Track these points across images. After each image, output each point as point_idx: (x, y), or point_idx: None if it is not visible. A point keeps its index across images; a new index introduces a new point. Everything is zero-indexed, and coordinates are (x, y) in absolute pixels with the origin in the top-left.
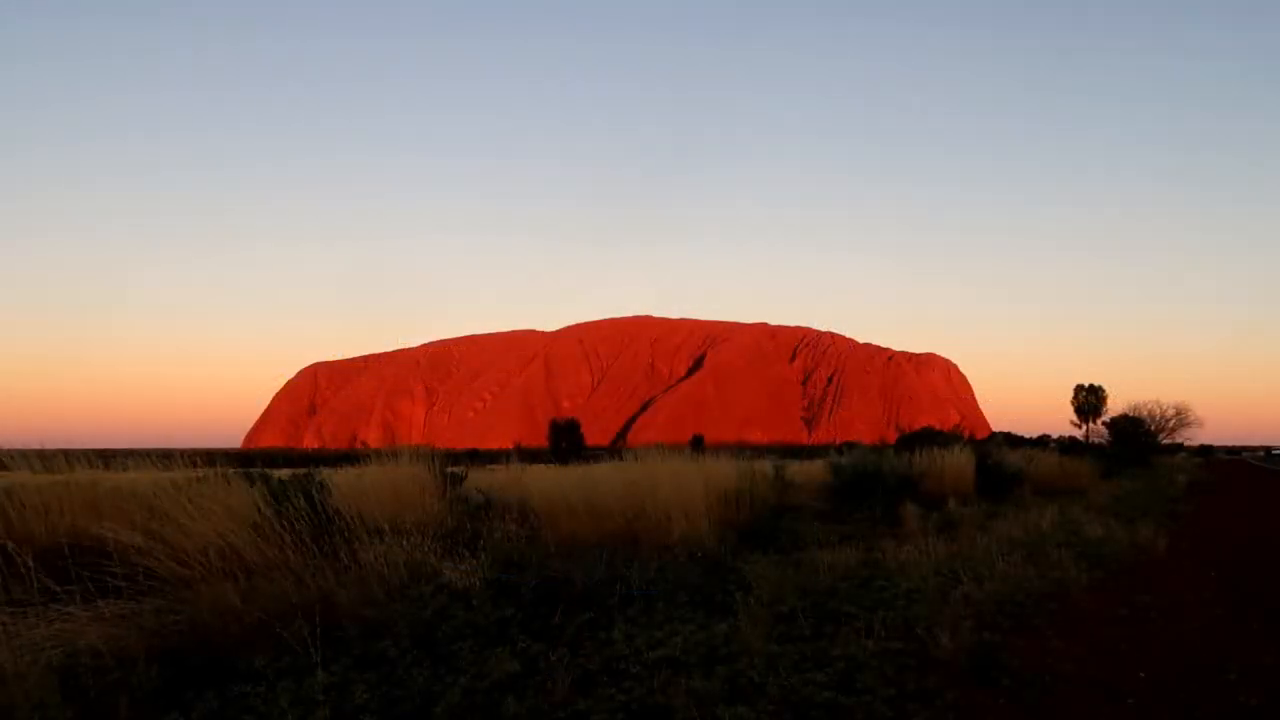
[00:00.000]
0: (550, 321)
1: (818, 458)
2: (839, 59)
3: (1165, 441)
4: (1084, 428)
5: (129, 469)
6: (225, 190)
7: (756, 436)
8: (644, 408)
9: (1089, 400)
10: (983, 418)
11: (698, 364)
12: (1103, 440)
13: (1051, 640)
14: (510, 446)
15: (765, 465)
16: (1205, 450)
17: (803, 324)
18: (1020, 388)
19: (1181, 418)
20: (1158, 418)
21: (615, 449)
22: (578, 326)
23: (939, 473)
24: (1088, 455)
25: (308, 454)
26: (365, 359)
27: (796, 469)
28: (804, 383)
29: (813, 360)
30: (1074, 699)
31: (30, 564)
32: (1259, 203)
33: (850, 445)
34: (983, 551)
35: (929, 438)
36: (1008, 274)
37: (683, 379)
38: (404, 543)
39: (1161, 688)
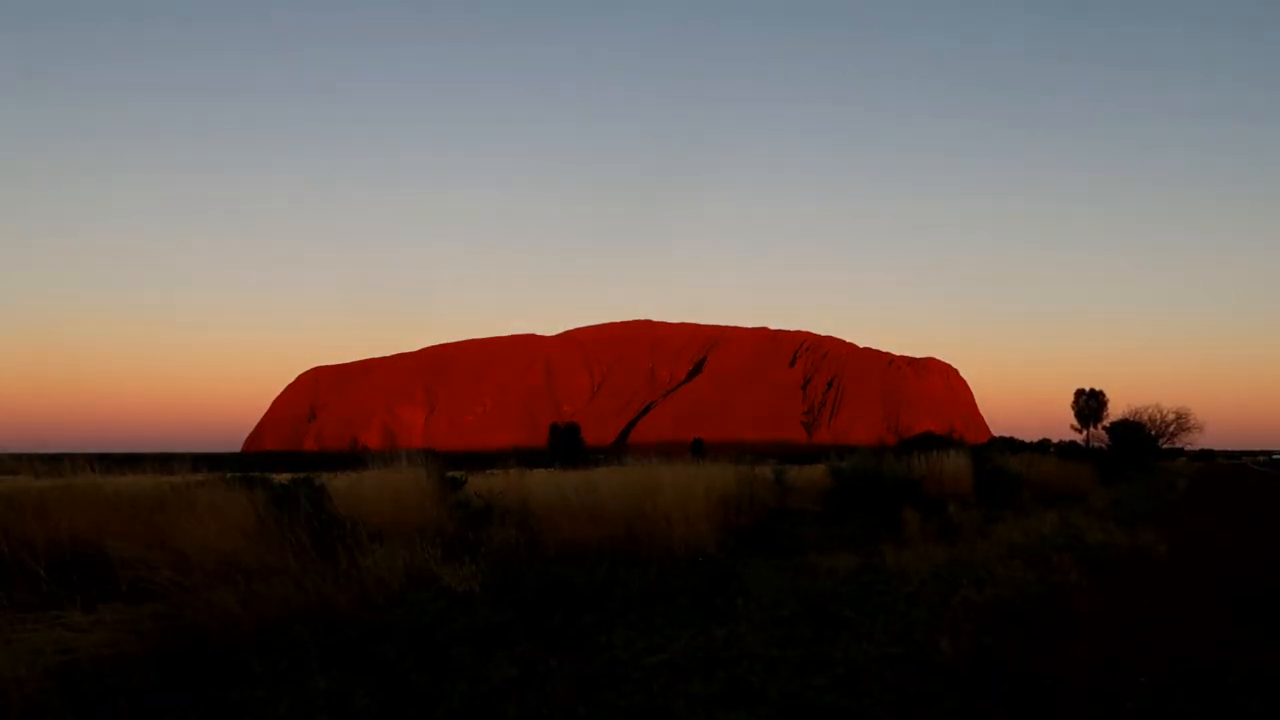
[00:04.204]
0: (550, 325)
1: (818, 462)
2: (840, 63)
3: (1165, 446)
4: (1084, 432)
5: (129, 473)
6: (226, 194)
7: (756, 440)
8: (644, 411)
9: (1089, 405)
10: (982, 422)
11: (698, 368)
12: (1103, 445)
13: (1052, 645)
14: (510, 450)
15: (765, 470)
16: (1206, 455)
17: (803, 328)
18: (1020, 392)
19: (1182, 422)
20: (1158, 422)
21: (615, 453)
22: (578, 330)
23: (938, 477)
24: (1088, 460)
25: (308, 458)
26: (365, 363)
27: (796, 473)
28: (804, 387)
29: (813, 364)
30: (1075, 703)
31: (30, 568)
32: (1262, 205)
33: (850, 449)
34: (983, 556)
35: (929, 442)
36: (1008, 278)
37: (683, 383)
38: (404, 548)
39: (1162, 692)
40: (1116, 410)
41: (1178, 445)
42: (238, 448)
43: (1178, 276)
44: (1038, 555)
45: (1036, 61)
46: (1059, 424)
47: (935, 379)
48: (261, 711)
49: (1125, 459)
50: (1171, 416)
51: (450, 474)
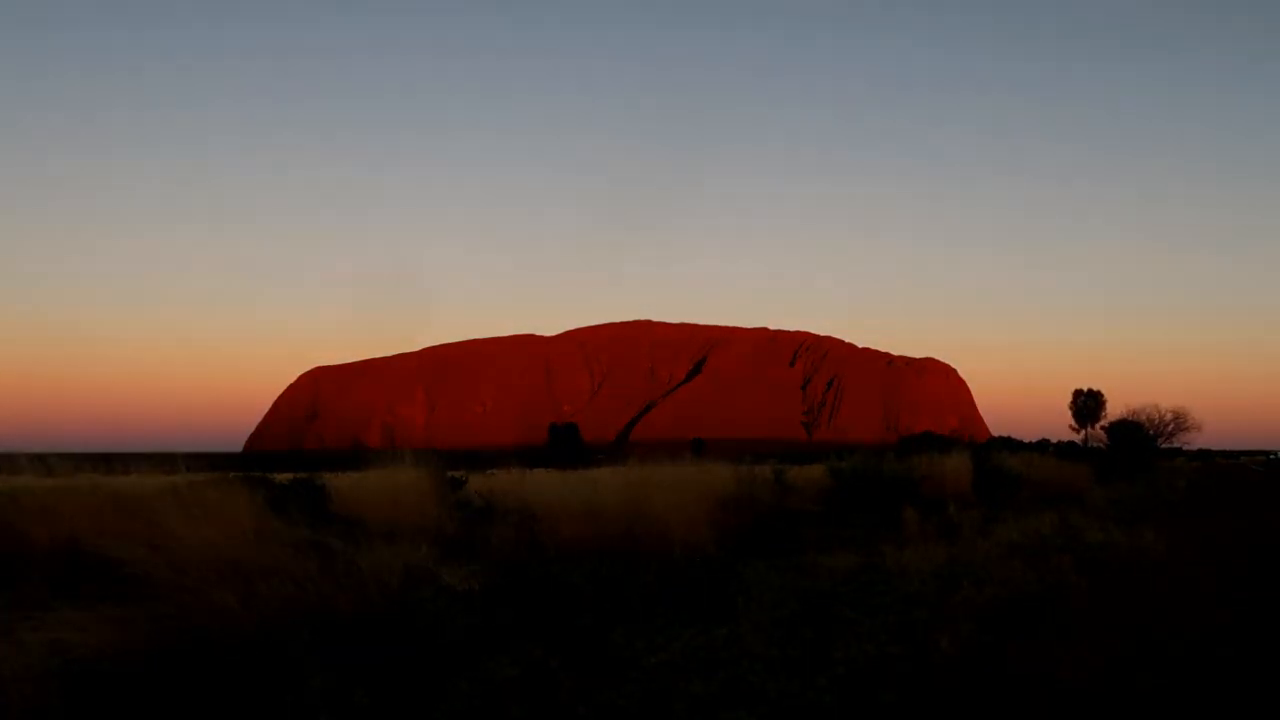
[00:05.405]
0: (550, 326)
1: (818, 462)
2: (841, 62)
3: (1164, 446)
4: (1083, 432)
5: (131, 473)
6: (226, 192)
7: (756, 440)
8: (644, 411)
9: (1088, 404)
10: (982, 422)
11: (698, 368)
12: (1101, 444)
13: (1052, 644)
14: (511, 450)
15: (765, 470)
16: (1204, 455)
17: (803, 328)
18: (1020, 392)
19: (1180, 422)
20: (1156, 422)
21: (615, 453)
22: (578, 331)
23: (938, 477)
24: (1086, 460)
25: (309, 458)
26: (365, 363)
27: (796, 473)
28: (804, 387)
29: (813, 364)
30: (1075, 703)
31: (30, 568)
32: (1262, 203)
33: (850, 449)
34: (982, 555)
35: (928, 442)
36: (1008, 277)
37: (683, 383)
38: (404, 547)
39: (1163, 693)
40: (1115, 410)
41: (1176, 445)
42: (239, 448)
43: (1177, 276)
44: (1037, 555)
45: (1036, 61)
46: (1058, 424)
47: (935, 379)
48: (261, 711)
49: (1123, 459)
50: (1169, 416)
51: (450, 474)
